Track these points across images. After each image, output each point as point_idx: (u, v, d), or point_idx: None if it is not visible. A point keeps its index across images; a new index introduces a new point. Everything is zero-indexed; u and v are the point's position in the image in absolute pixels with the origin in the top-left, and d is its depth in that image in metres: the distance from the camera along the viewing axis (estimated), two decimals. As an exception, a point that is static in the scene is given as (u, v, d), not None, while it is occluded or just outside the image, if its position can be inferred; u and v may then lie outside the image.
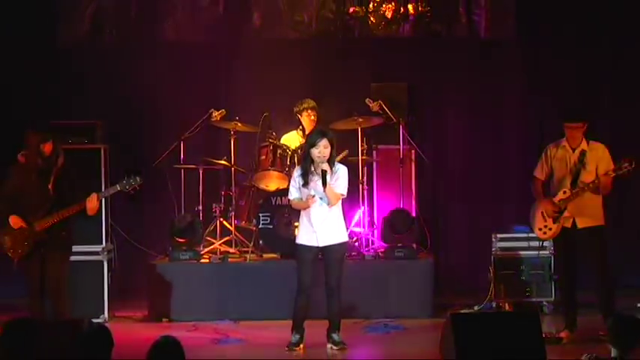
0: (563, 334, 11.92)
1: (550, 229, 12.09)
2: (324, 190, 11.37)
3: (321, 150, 11.31)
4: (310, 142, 11.50)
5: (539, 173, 12.15)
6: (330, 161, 11.41)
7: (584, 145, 11.96)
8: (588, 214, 11.93)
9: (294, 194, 11.68)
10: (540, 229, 12.18)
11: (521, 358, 9.72)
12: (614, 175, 11.79)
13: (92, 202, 11.40)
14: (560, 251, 12.44)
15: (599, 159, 11.91)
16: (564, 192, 11.94)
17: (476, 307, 13.40)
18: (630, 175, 11.76)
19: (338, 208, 11.69)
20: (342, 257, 11.89)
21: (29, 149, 11.60)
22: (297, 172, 11.71)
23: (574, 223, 11.95)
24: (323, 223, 11.64)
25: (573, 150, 11.99)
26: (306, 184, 11.51)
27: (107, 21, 15.29)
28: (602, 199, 11.92)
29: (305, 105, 13.87)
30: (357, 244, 13.80)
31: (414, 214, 14.06)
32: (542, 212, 12.10)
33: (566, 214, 11.92)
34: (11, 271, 11.96)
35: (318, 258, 11.74)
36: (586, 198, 11.89)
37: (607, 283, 12.07)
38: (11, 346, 8.27)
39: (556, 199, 11.97)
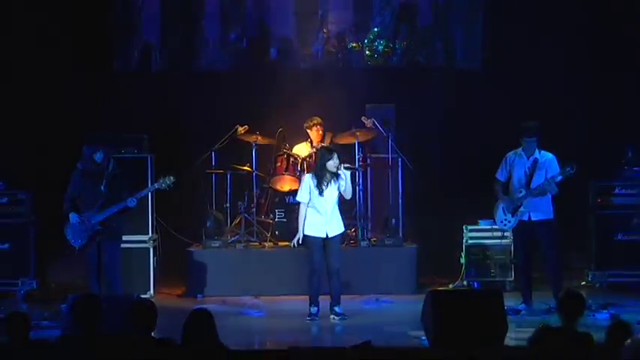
0: (520, 307, 11.94)
1: (509, 221, 12.13)
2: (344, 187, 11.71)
3: (335, 161, 11.61)
4: (327, 157, 11.74)
5: (501, 175, 12.18)
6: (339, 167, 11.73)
7: (536, 154, 12.00)
8: (540, 209, 11.97)
9: (305, 197, 11.79)
10: (502, 222, 12.22)
11: (487, 327, 9.76)
12: (559, 178, 11.82)
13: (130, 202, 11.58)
14: (517, 240, 12.49)
15: (548, 166, 11.95)
16: (520, 192, 11.97)
17: (451, 286, 13.37)
18: (573, 177, 11.80)
19: (337, 207, 11.85)
20: (340, 244, 12.06)
21: (84, 158, 11.67)
22: (311, 181, 11.79)
23: (529, 216, 11.98)
24: (329, 218, 11.77)
25: (528, 158, 12.02)
26: (321, 192, 11.69)
27: (153, 53, 15.30)
28: (552, 196, 11.95)
29: (314, 122, 13.88)
30: (354, 234, 13.79)
31: (400, 211, 14.08)
32: (503, 208, 12.13)
33: (522, 209, 11.95)
34: (71, 258, 12.02)
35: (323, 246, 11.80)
36: (538, 196, 11.92)
37: (556, 266, 12.09)
38: (77, 316, 8.30)
39: (514, 198, 12.00)
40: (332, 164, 11.69)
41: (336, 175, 11.72)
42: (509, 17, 14.81)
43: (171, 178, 11.89)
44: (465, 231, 13.52)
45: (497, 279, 13.17)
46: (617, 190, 13.60)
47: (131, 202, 11.64)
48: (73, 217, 11.58)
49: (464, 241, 13.52)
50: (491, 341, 9.26)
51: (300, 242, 11.89)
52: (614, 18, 14.56)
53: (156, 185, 11.98)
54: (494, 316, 9.98)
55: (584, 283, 13.54)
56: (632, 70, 14.53)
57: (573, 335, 7.91)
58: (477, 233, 13.45)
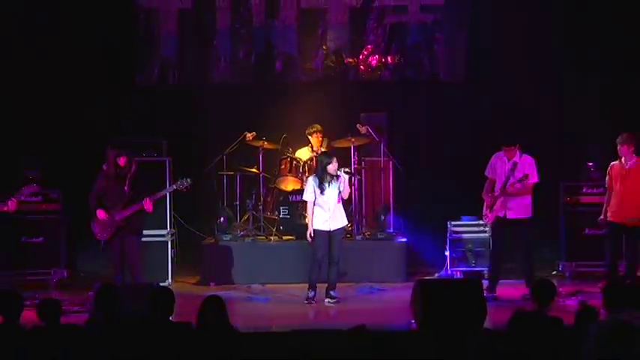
0: (497, 294, 11.93)
1: (487, 216, 12.14)
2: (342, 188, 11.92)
3: (334, 164, 11.88)
4: (326, 162, 11.99)
5: (487, 173, 12.16)
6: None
7: (517, 158, 11.96)
8: (515, 208, 11.94)
9: (310, 197, 11.98)
10: (484, 215, 12.24)
11: (468, 311, 9.76)
12: (524, 181, 11.81)
13: (147, 204, 11.52)
14: (492, 233, 12.45)
15: (525, 169, 11.91)
16: (496, 191, 11.97)
17: (436, 275, 13.38)
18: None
19: (340, 203, 11.98)
20: (342, 236, 12.21)
21: (109, 161, 11.67)
22: (314, 182, 11.98)
23: (505, 214, 11.97)
24: (333, 214, 11.94)
25: (508, 160, 11.99)
26: (322, 191, 11.87)
27: (171, 68, 15.27)
28: (532, 196, 11.94)
29: (314, 129, 13.87)
30: (350, 229, 13.79)
31: (391, 209, 14.07)
32: (486, 203, 12.14)
33: (498, 206, 11.93)
34: (97, 250, 12.01)
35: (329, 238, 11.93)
36: (515, 196, 11.91)
37: (528, 261, 12.09)
38: (101, 303, 8.30)
39: (492, 195, 12.00)
40: (331, 167, 11.93)
41: (335, 177, 11.90)
42: (487, 38, 14.80)
43: (189, 180, 11.91)
44: (448, 226, 13.50)
45: (477, 268, 13.15)
46: (584, 190, 13.62)
47: (147, 205, 11.63)
48: (99, 213, 11.58)
49: (448, 234, 13.51)
50: (472, 324, 9.27)
51: (313, 235, 11.97)
52: (579, 42, 14.57)
53: (174, 186, 11.99)
54: (474, 302, 10.00)
55: (555, 272, 13.54)
56: (595, 79, 14.54)
57: (545, 319, 7.91)
58: (460, 228, 13.42)
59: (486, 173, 12.14)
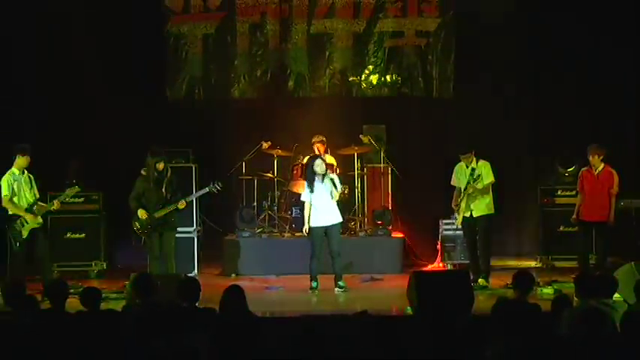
0: (484, 282, 11.92)
1: (456, 217, 12.19)
2: (333, 190, 11.74)
3: (318, 162, 11.87)
4: (312, 161, 12.03)
5: (453, 182, 12.23)
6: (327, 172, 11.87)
7: (474, 164, 12.03)
8: (479, 207, 12.01)
9: (306, 197, 11.96)
10: (454, 218, 12.32)
11: (458, 299, 9.76)
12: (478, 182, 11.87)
13: (182, 205, 11.58)
14: (464, 232, 12.44)
15: (482, 172, 11.98)
16: (460, 194, 12.01)
17: (429, 267, 13.39)
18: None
19: (334, 201, 11.88)
20: (339, 232, 12.08)
21: (148, 167, 11.69)
22: (306, 184, 11.95)
23: (471, 213, 12.02)
24: (326, 211, 11.85)
25: (467, 167, 12.06)
26: (312, 190, 11.81)
27: (196, 85, 15.30)
28: (492, 196, 12.02)
29: (317, 139, 13.76)
30: (354, 226, 13.79)
31: (390, 209, 14.07)
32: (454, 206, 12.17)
33: (463, 207, 11.93)
34: (132, 245, 12.05)
35: (324, 234, 11.85)
36: (477, 197, 11.95)
37: (485, 251, 12.13)
38: (137, 291, 8.31)
39: (457, 198, 12.01)
40: (316, 165, 11.85)
41: (321, 175, 11.80)
42: (473, 59, 14.79)
43: (220, 183, 11.97)
44: (440, 224, 13.50)
45: (465, 261, 13.15)
46: (558, 192, 13.63)
47: (181, 204, 11.68)
48: (140, 212, 11.60)
49: (440, 231, 13.51)
50: (461, 310, 9.26)
51: (308, 231, 11.93)
52: (548, 64, 14.60)
53: (206, 189, 12.02)
54: (463, 290, 10.00)
55: (533, 264, 13.53)
56: (570, 97, 14.54)
57: (525, 305, 7.91)
58: (450, 225, 13.41)
59: (452, 182, 12.21)
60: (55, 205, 11.63)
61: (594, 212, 12.03)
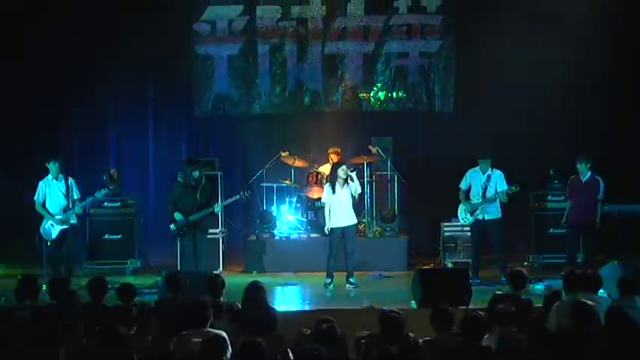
0: (479, 280, 11.93)
1: (469, 219, 12.17)
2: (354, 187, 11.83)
3: (343, 168, 11.90)
4: (337, 167, 12.01)
5: (463, 185, 12.24)
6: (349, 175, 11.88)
7: (489, 171, 12.06)
8: (491, 211, 12.01)
9: (327, 199, 11.95)
10: (463, 219, 12.30)
11: (457, 294, 9.76)
12: (507, 192, 11.87)
13: (216, 209, 11.74)
14: (473, 233, 12.43)
15: (497, 180, 12.02)
16: (478, 199, 12.00)
17: (432, 265, 13.36)
18: (517, 193, 11.96)
19: (351, 204, 11.88)
20: (355, 233, 12.11)
21: (185, 174, 11.75)
22: (328, 187, 11.93)
23: (483, 216, 12.02)
24: (345, 213, 11.86)
25: (483, 173, 12.07)
26: (334, 191, 11.82)
27: (221, 101, 15.32)
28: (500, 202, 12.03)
29: (332, 150, 13.72)
30: (363, 228, 13.79)
31: (396, 212, 14.06)
32: (464, 209, 12.17)
33: (478, 211, 11.97)
34: (164, 245, 12.11)
35: (342, 234, 11.86)
36: (490, 202, 11.97)
37: (502, 252, 12.16)
38: (168, 287, 8.35)
39: (473, 203, 12.02)
40: (340, 170, 11.85)
41: (344, 180, 11.80)
42: (473, 76, 14.77)
43: (249, 191, 12.13)
44: (442, 226, 13.49)
45: (464, 260, 13.12)
46: (549, 198, 13.62)
47: (217, 207, 11.75)
48: (177, 216, 11.63)
49: (441, 233, 13.49)
50: (460, 304, 9.28)
51: (329, 231, 11.97)
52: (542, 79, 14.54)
53: (237, 196, 12.09)
54: (462, 286, 10.01)
55: (526, 263, 13.46)
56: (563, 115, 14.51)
57: (518, 300, 7.93)
58: (451, 227, 13.34)
59: (461, 185, 12.28)
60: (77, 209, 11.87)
61: (582, 216, 12.06)
